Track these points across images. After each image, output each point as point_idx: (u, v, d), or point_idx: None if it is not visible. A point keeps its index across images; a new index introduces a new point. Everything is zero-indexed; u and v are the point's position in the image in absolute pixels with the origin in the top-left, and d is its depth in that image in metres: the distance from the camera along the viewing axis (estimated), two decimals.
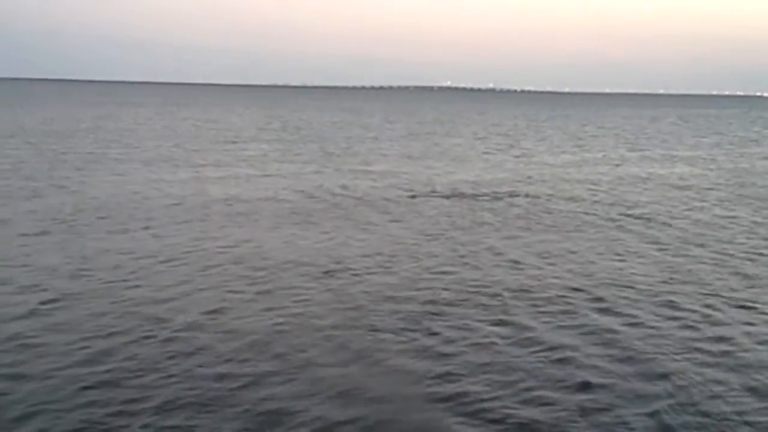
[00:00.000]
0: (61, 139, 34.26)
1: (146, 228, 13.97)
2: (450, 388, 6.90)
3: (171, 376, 7.03)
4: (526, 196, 19.40)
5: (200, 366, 7.30)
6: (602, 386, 7.00)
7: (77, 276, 10.48)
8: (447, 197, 18.85)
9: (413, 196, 18.80)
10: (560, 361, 7.62)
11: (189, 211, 15.89)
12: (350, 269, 11.17)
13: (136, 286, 10.03)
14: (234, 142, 35.13)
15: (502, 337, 8.30)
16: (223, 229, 14.09)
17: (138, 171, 22.77)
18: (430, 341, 8.12)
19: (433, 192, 19.71)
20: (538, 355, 7.77)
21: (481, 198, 18.85)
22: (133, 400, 6.49)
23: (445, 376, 7.17)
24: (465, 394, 6.78)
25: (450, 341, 8.13)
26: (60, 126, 43.88)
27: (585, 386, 6.95)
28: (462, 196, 19.17)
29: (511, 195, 19.43)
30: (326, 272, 10.94)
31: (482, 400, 6.67)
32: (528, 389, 6.91)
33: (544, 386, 6.98)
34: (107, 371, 7.11)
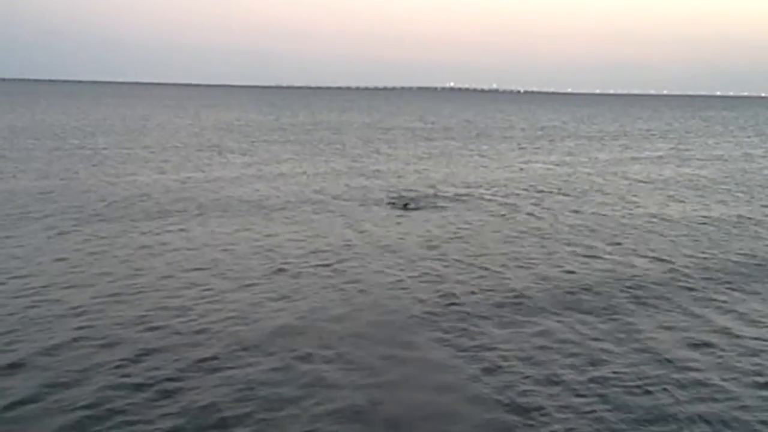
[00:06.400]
0: (125, 137, 35.24)
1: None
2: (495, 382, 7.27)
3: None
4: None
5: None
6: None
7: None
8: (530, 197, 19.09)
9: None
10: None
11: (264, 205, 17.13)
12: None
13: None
14: (283, 142, 35.80)
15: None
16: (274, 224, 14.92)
17: (224, 166, 23.20)
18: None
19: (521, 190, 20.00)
20: None
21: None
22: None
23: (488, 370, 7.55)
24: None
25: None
26: (113, 125, 45.04)
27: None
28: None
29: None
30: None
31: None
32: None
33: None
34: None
